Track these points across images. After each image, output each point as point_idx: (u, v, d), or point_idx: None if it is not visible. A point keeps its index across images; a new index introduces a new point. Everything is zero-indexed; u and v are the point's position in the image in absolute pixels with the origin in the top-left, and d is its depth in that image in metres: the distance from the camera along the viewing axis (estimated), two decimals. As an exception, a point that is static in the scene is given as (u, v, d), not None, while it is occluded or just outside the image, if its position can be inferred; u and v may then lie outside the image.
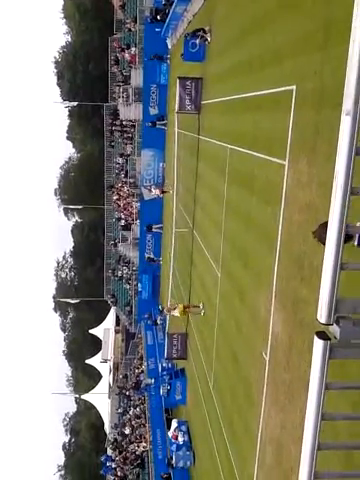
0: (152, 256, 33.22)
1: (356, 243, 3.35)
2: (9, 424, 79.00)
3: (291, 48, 8.38)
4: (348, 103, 2.76)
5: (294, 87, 7.97)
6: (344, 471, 5.39)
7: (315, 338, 3.11)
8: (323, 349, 3.09)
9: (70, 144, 67.52)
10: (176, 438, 19.86)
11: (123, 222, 37.45)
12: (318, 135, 7.01)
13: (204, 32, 16.53)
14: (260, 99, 10.19)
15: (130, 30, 34.66)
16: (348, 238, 3.06)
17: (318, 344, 3.11)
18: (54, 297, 67.21)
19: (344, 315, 3.11)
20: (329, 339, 3.10)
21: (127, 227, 37.15)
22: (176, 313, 18.41)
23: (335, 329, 3.11)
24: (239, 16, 12.64)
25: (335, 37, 6.62)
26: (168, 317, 24.70)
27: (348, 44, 2.72)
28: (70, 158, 69.06)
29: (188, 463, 19.28)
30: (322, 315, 3.06)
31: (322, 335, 3.12)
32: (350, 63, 2.71)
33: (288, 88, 8.21)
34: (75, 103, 50.05)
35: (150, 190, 29.57)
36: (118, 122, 36.81)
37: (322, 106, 6.95)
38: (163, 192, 28.66)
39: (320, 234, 3.08)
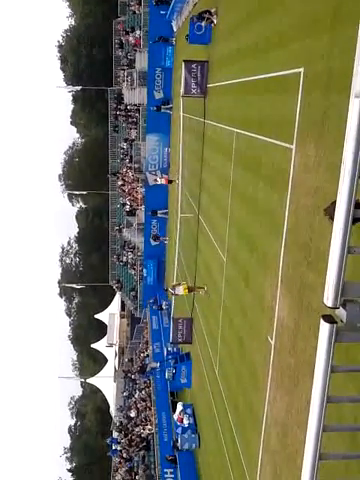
0: (157, 233, 33.13)
1: None
2: (16, 408, 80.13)
3: (299, 30, 8.25)
4: (357, 85, 2.73)
5: (302, 70, 7.87)
6: (348, 452, 5.46)
7: (321, 321, 3.12)
8: (329, 332, 3.10)
9: (74, 129, 67.24)
10: (181, 421, 20.09)
11: (128, 207, 37.43)
12: (326, 118, 6.94)
13: (210, 14, 16.30)
14: (267, 82, 10.08)
15: (135, 13, 34.25)
16: (358, 220, 3.04)
17: (324, 327, 3.12)
18: (59, 282, 67.56)
19: (351, 299, 3.12)
20: (335, 322, 3.11)
21: (132, 212, 37.15)
22: (180, 291, 18.64)
23: (341, 312, 3.12)
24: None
25: (344, 19, 6.52)
26: (173, 298, 24.84)
27: (357, 25, 2.68)
28: (74, 143, 68.82)
29: (193, 446, 19.52)
30: (329, 298, 3.07)
31: (328, 318, 3.13)
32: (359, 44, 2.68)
33: (296, 71, 8.11)
34: (79, 87, 49.74)
35: (156, 180, 29.45)
36: (122, 106, 36.56)
37: (330, 89, 6.87)
38: (169, 181, 28.56)
39: (332, 212, 3.07)
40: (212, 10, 16.28)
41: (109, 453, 30.61)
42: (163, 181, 28.76)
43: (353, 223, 2.96)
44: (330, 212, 3.28)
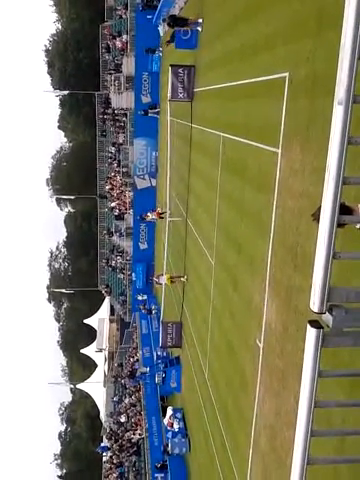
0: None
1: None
2: (6, 414, 79.29)
3: (284, 34, 8.31)
4: (340, 92, 2.74)
5: (287, 74, 7.92)
6: (337, 456, 5.47)
7: (308, 327, 3.13)
8: (316, 337, 3.11)
9: (62, 133, 67.00)
10: (171, 425, 20.03)
11: (116, 212, 37.35)
12: (311, 122, 6.99)
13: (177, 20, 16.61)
14: (253, 86, 10.13)
15: (121, 17, 34.28)
16: (347, 211, 3.06)
17: (311, 333, 3.13)
18: (48, 287, 67.12)
19: (336, 304, 3.13)
20: (322, 328, 3.12)
21: (120, 217, 37.06)
22: (163, 280, 19.90)
23: (328, 318, 3.12)
24: (232, 2, 12.51)
25: (327, 23, 6.57)
26: (162, 303, 24.88)
27: (340, 30, 2.69)
28: (62, 148, 68.61)
29: (184, 450, 19.47)
30: (315, 304, 3.07)
31: (315, 324, 3.14)
32: (342, 51, 2.70)
33: (281, 75, 8.16)
34: (66, 92, 49.60)
35: (147, 215, 28.07)
36: (110, 111, 36.52)
37: (315, 93, 6.92)
38: (160, 214, 26.93)
39: (319, 216, 3.08)
40: (176, 13, 16.54)
41: (98, 449, 31.13)
42: (154, 215, 27.95)
43: (338, 226, 2.97)
44: (317, 217, 3.30)
